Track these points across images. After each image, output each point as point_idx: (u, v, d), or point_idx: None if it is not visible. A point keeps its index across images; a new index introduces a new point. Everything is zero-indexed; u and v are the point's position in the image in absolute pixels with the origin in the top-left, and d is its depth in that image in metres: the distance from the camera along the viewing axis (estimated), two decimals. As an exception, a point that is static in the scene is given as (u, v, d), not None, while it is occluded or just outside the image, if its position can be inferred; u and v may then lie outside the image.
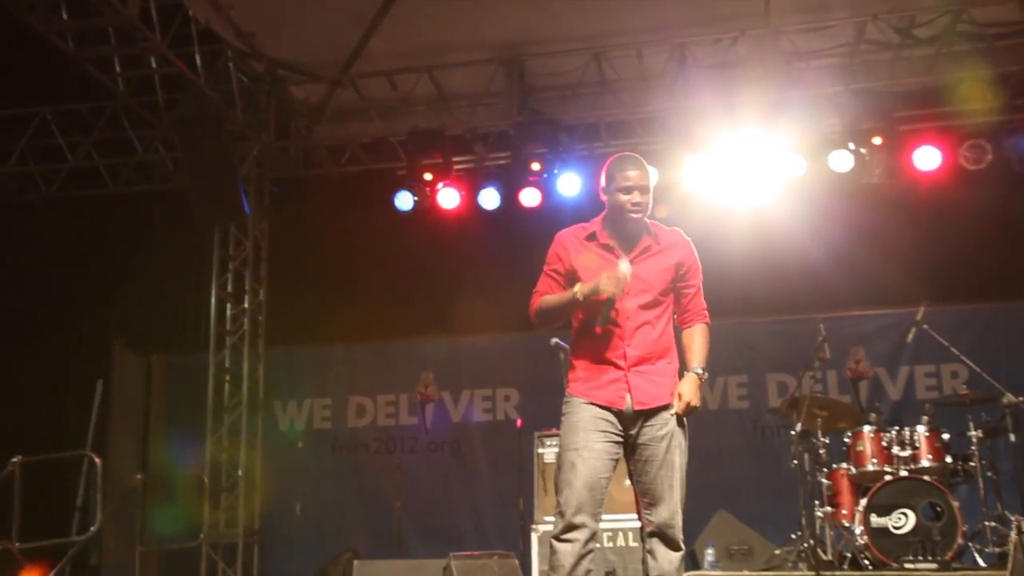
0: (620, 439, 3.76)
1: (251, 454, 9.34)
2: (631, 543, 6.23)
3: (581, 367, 3.85)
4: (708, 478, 8.53)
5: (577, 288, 3.76)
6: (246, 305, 9.52)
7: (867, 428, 6.55)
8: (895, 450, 6.40)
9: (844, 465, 6.63)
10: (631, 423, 3.75)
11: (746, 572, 6.23)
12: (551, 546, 3.67)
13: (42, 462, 5.97)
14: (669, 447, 3.73)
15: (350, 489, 9.69)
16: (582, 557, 3.62)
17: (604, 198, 3.92)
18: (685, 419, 3.80)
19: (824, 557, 6.08)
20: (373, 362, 10.15)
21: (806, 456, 6.53)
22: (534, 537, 6.58)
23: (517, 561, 5.73)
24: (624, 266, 3.73)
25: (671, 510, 3.70)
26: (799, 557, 6.21)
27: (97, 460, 6.60)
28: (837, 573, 5.95)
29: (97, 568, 8.63)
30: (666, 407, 3.76)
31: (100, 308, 9.74)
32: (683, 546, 3.76)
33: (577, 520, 3.63)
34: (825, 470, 6.61)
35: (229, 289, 9.51)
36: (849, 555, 6.26)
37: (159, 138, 9.52)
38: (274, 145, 9.60)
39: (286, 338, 9.89)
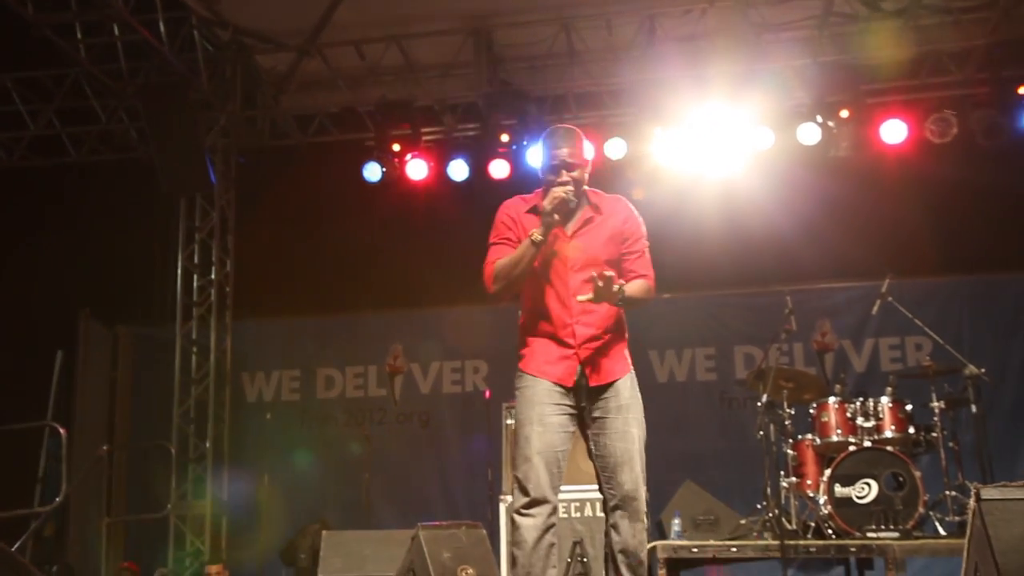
0: (574, 412, 3.76)
1: (219, 426, 9.31)
2: (598, 513, 6.27)
3: (532, 343, 3.84)
4: (675, 449, 8.61)
5: (532, 232, 3.71)
6: (213, 276, 9.45)
7: (832, 399, 6.62)
8: (859, 421, 6.47)
9: (809, 436, 6.70)
10: (584, 398, 3.74)
11: (712, 541, 6.30)
12: (512, 521, 3.68)
13: (3, 433, 5.90)
14: (626, 419, 3.72)
15: (319, 460, 9.68)
16: (545, 531, 3.64)
17: (540, 173, 3.90)
18: (639, 395, 3.81)
19: (788, 527, 6.16)
20: (342, 334, 10.11)
21: (772, 427, 6.59)
22: (502, 507, 6.62)
23: (485, 531, 5.74)
24: (563, 188, 3.71)
25: (633, 482, 3.69)
26: (764, 527, 6.28)
27: (62, 431, 6.53)
28: (801, 542, 6.03)
29: (50, 540, 8.58)
30: (620, 380, 3.77)
31: (65, 278, 9.62)
32: (646, 518, 3.77)
33: (538, 495, 3.64)
34: (790, 441, 6.67)
35: (196, 260, 9.43)
36: (813, 524, 6.34)
37: (123, 107, 9.38)
38: (240, 115, 9.49)
39: (254, 309, 9.84)
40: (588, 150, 3.92)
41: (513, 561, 3.66)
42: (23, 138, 9.64)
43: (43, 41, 7.85)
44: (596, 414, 3.74)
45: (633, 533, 3.69)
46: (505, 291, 3.81)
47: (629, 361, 3.91)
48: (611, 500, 3.72)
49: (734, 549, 6.09)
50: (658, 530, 6.81)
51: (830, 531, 6.19)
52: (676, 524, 6.61)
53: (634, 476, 3.69)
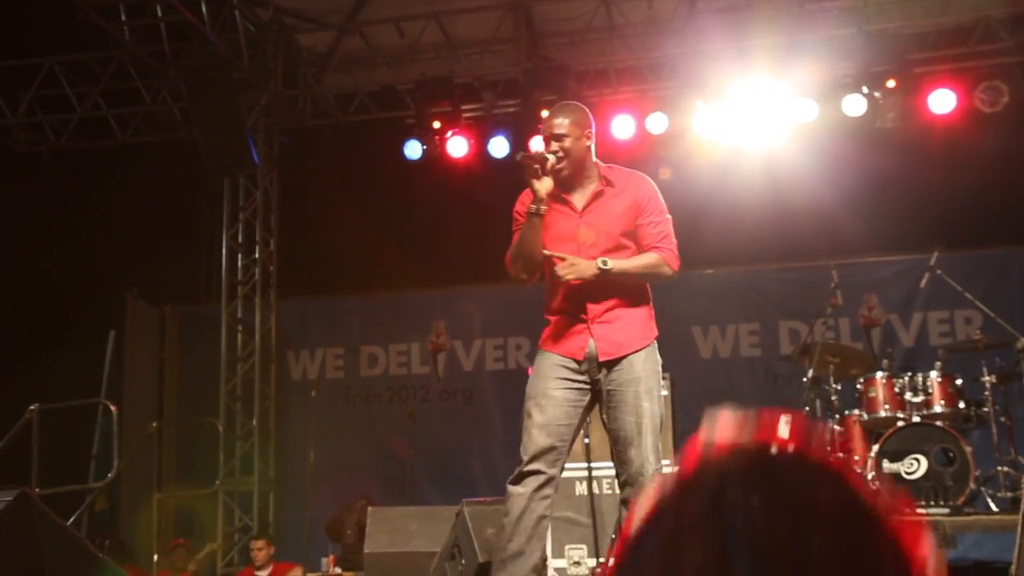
0: (586, 386, 3.69)
1: (264, 403, 9.42)
2: (605, 490, 6.28)
3: (550, 320, 3.81)
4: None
5: (530, 205, 3.67)
6: (257, 255, 9.53)
7: (879, 374, 6.53)
8: (907, 396, 6.39)
9: (856, 412, 6.63)
10: (597, 371, 3.67)
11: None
12: (507, 490, 3.63)
13: (57, 411, 6.02)
14: (637, 392, 3.63)
15: (363, 438, 9.77)
16: (531, 502, 3.56)
17: None
18: (659, 369, 3.72)
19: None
20: (385, 312, 10.17)
21: (818, 403, 6.54)
22: (546, 484, 6.63)
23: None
24: (546, 152, 3.67)
25: (641, 456, 3.59)
26: (810, 502, 6.24)
27: (113, 408, 6.66)
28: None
29: (105, 513, 8.77)
30: (635, 353, 3.67)
31: (112, 259, 9.76)
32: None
33: (530, 467, 3.58)
34: (837, 416, 6.61)
35: (240, 239, 9.52)
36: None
37: (167, 88, 9.47)
38: (282, 94, 9.54)
39: (298, 288, 9.92)
40: (586, 123, 3.81)
41: (501, 529, 3.62)
42: (71, 120, 9.77)
43: (88, 24, 7.93)
44: (610, 386, 3.66)
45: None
46: (522, 270, 3.78)
47: (649, 333, 3.79)
48: (621, 475, 3.66)
49: (780, 525, 6.06)
50: (703, 506, 6.79)
51: (878, 507, 6.13)
52: (721, 501, 6.58)
53: (642, 452, 3.59)
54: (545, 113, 3.90)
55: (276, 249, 9.64)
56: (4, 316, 9.20)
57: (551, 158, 3.68)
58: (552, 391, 3.66)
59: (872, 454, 6.18)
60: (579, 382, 3.69)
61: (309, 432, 8.63)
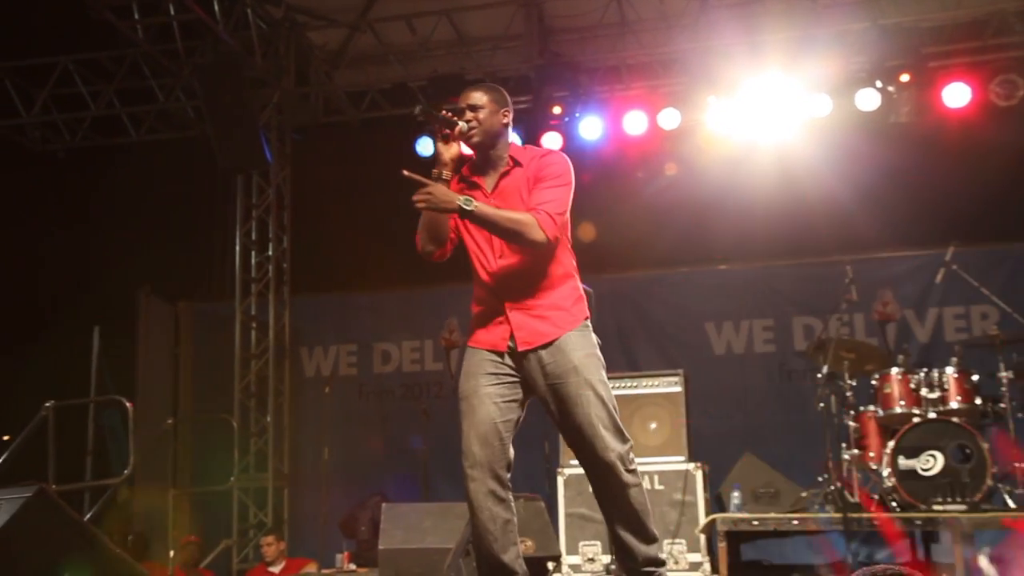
0: (516, 379, 3.55)
1: (278, 400, 9.45)
2: (658, 486, 6.27)
3: (473, 312, 3.71)
4: (734, 422, 8.56)
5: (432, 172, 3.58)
6: (270, 252, 9.56)
7: (895, 370, 6.50)
8: (923, 392, 6.35)
9: (871, 408, 6.60)
10: (522, 364, 3.54)
11: (773, 514, 6.25)
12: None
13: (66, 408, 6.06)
14: (578, 382, 3.46)
15: (377, 434, 9.78)
16: (483, 502, 3.49)
17: None
18: (595, 352, 3.56)
19: (851, 499, 6.09)
20: (397, 308, 10.17)
21: (833, 399, 6.51)
22: (560, 480, 6.63)
23: (543, 503, 5.77)
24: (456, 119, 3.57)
25: (601, 450, 3.44)
26: (826, 499, 6.22)
27: (128, 404, 6.68)
28: (864, 515, 5.96)
29: (127, 503, 8.83)
30: (560, 339, 3.51)
31: (125, 256, 9.80)
32: (628, 475, 3.50)
33: (472, 470, 3.48)
34: (852, 412, 6.58)
35: (253, 236, 9.55)
36: (876, 497, 6.26)
37: (180, 86, 9.50)
38: (294, 92, 9.55)
39: (311, 285, 9.94)
40: (505, 103, 3.69)
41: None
42: (85, 119, 9.81)
43: (102, 23, 7.96)
44: (548, 380, 3.50)
45: (613, 500, 3.50)
46: (428, 241, 3.64)
47: (577, 316, 3.60)
48: (587, 471, 3.57)
49: (795, 522, 6.04)
50: (718, 503, 6.78)
51: (894, 504, 6.11)
52: (736, 497, 6.57)
53: (602, 443, 3.44)
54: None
55: (289, 246, 9.66)
56: (18, 312, 9.25)
57: (462, 124, 3.57)
58: (483, 388, 3.52)
59: (888, 450, 6.15)
60: (510, 376, 3.55)
61: (323, 429, 8.66)
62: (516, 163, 3.65)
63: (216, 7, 8.30)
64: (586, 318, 3.64)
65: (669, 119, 8.52)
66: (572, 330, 3.55)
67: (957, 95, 8.14)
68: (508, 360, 3.55)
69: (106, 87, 9.59)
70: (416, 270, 9.87)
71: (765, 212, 8.41)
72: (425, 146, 8.97)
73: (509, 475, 3.57)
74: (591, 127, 8.67)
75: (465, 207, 3.42)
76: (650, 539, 3.57)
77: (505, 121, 3.69)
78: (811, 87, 8.27)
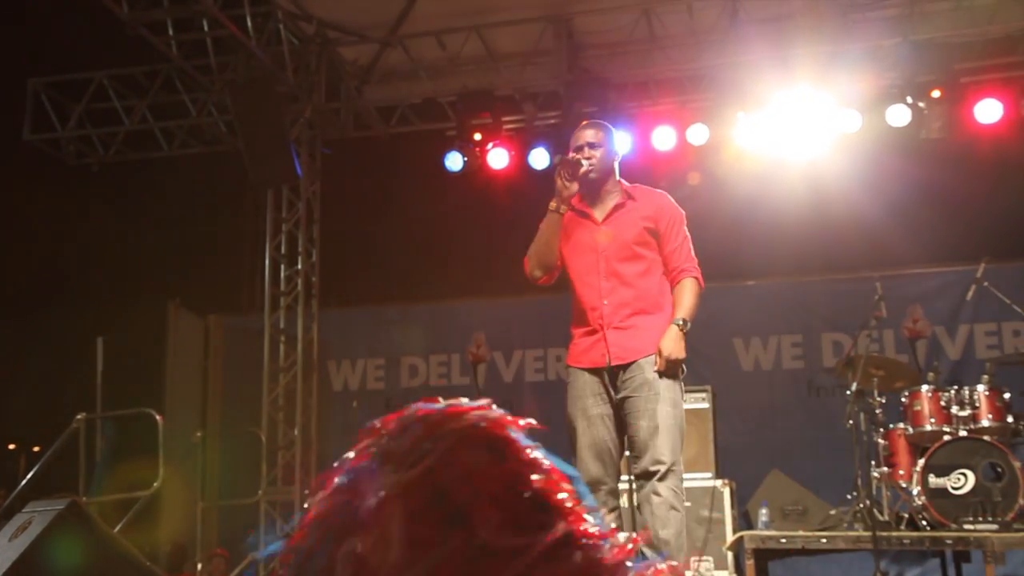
0: (610, 400, 3.81)
1: (307, 414, 9.49)
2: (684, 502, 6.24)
3: (574, 333, 3.96)
4: (761, 438, 8.50)
5: (551, 205, 3.86)
6: (299, 266, 9.62)
7: (925, 387, 6.44)
8: (954, 410, 6.28)
9: (901, 425, 6.54)
10: (614, 379, 3.79)
11: (801, 532, 6.20)
12: None
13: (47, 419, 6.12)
14: (648, 396, 3.73)
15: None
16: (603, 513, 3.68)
17: None
18: (676, 373, 3.81)
19: (880, 517, 6.03)
20: (425, 322, 10.20)
21: (862, 416, 6.45)
22: (587, 495, 6.61)
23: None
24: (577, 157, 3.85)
25: (655, 463, 3.66)
26: (855, 517, 6.16)
27: (158, 418, 6.74)
28: (894, 533, 5.89)
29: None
30: (645, 358, 3.78)
31: (156, 268, 9.92)
32: (674, 498, 3.69)
33: (591, 484, 3.66)
34: (881, 430, 6.52)
35: (283, 250, 9.61)
36: (906, 515, 6.19)
37: (212, 101, 9.60)
38: (325, 107, 9.63)
39: (339, 299, 10.01)
40: (616, 140, 4.07)
41: None
42: (119, 133, 9.94)
43: (137, 38, 8.08)
44: (624, 392, 3.77)
45: (653, 511, 3.67)
46: (537, 266, 3.95)
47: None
48: (636, 478, 3.77)
49: (824, 540, 5.98)
50: (745, 520, 6.74)
51: (924, 522, 6.04)
52: (763, 514, 6.53)
53: (657, 455, 3.67)
54: (578, 129, 4.02)
55: (318, 260, 9.72)
56: (49, 323, 9.37)
57: (585, 163, 3.87)
58: (591, 410, 3.77)
59: (918, 468, 6.08)
60: (605, 395, 3.81)
61: (350, 443, 8.67)
62: (629, 197, 3.98)
63: (249, 23, 8.40)
64: None
65: (698, 135, 8.50)
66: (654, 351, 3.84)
67: (989, 111, 8.07)
68: (605, 377, 3.82)
69: (140, 102, 9.72)
70: (444, 284, 10.00)
71: (794, 228, 8.39)
72: (454, 161, 9.02)
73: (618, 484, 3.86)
74: (620, 142, 8.66)
75: (682, 327, 3.80)
76: None
77: (617, 160, 4.06)
78: (841, 103, 8.23)
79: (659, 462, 3.65)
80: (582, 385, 3.82)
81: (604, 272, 3.86)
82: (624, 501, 6.08)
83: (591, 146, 3.94)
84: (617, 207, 3.94)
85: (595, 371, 3.80)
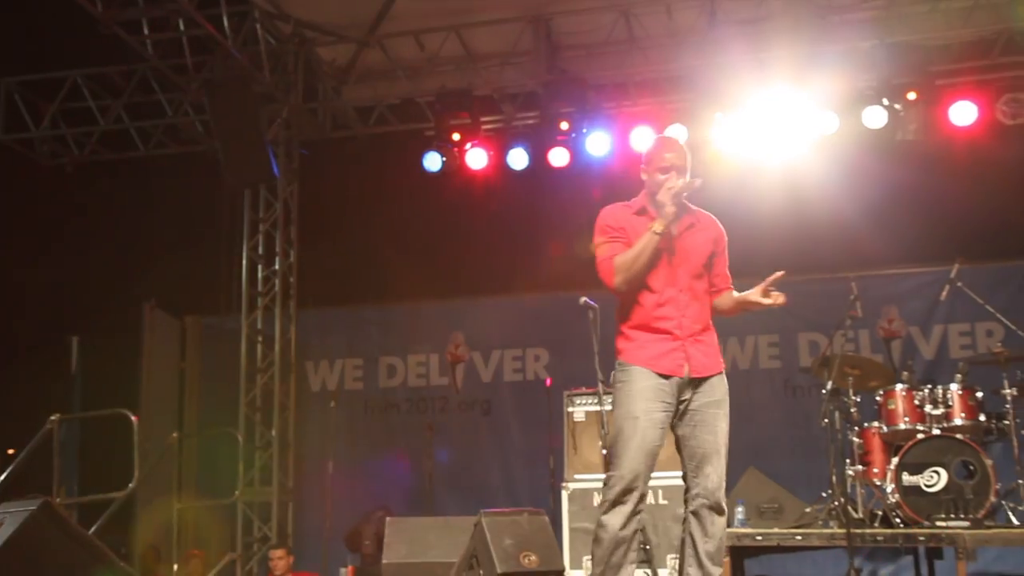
0: (673, 406, 3.88)
1: (284, 414, 9.46)
2: (661, 500, 6.27)
3: (637, 336, 3.95)
4: (738, 436, 8.46)
5: (652, 224, 3.87)
6: (277, 267, 9.59)
7: (899, 386, 6.49)
8: (927, 408, 6.34)
9: (876, 424, 6.59)
10: (684, 391, 3.87)
11: (776, 529, 6.23)
12: (608, 506, 3.80)
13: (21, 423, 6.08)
14: (718, 414, 3.88)
15: (382, 448, 9.78)
16: (632, 518, 3.78)
17: (644, 177, 4.06)
18: (727, 389, 3.96)
19: (855, 515, 6.07)
20: (403, 323, 10.20)
21: (837, 415, 6.49)
22: (564, 495, 6.63)
23: (547, 518, 5.77)
24: (680, 182, 3.89)
25: (718, 475, 3.84)
26: (830, 515, 6.20)
27: (133, 418, 6.70)
28: (868, 531, 5.94)
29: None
30: (717, 375, 3.93)
31: (132, 269, 9.85)
32: (726, 509, 3.92)
33: (633, 485, 3.77)
34: (856, 428, 6.56)
35: (260, 251, 9.57)
36: (880, 513, 6.24)
37: (188, 101, 9.55)
38: (302, 107, 9.61)
39: (317, 299, 9.97)
40: (688, 156, 4.06)
41: (598, 542, 3.82)
42: (94, 133, 9.87)
43: (112, 38, 8.02)
44: (694, 406, 3.88)
45: (720, 526, 3.85)
46: (626, 283, 3.93)
47: (722, 358, 4.08)
48: (694, 489, 3.86)
49: (799, 537, 6.02)
50: (721, 518, 6.76)
51: (898, 520, 6.09)
52: (740, 512, 6.56)
53: (719, 469, 3.85)
54: (663, 144, 4.13)
55: (296, 260, 9.69)
56: (24, 324, 9.29)
57: (697, 182, 3.97)
58: (653, 413, 3.83)
59: (892, 466, 6.13)
60: (670, 403, 3.87)
61: (328, 443, 8.67)
62: (695, 217, 4.08)
63: (226, 23, 8.36)
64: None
65: (676, 135, 8.54)
66: (723, 370, 4.01)
67: (964, 113, 8.15)
68: (674, 386, 3.87)
69: (115, 102, 9.66)
70: (422, 284, 9.97)
71: (771, 228, 8.41)
72: (432, 161, 9.01)
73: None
74: (598, 143, 8.70)
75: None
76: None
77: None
78: (818, 104, 8.29)
79: (722, 481, 3.85)
80: (649, 387, 3.85)
81: (681, 285, 3.95)
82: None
83: (680, 171, 3.97)
84: (690, 226, 4.04)
85: (668, 378, 3.86)
